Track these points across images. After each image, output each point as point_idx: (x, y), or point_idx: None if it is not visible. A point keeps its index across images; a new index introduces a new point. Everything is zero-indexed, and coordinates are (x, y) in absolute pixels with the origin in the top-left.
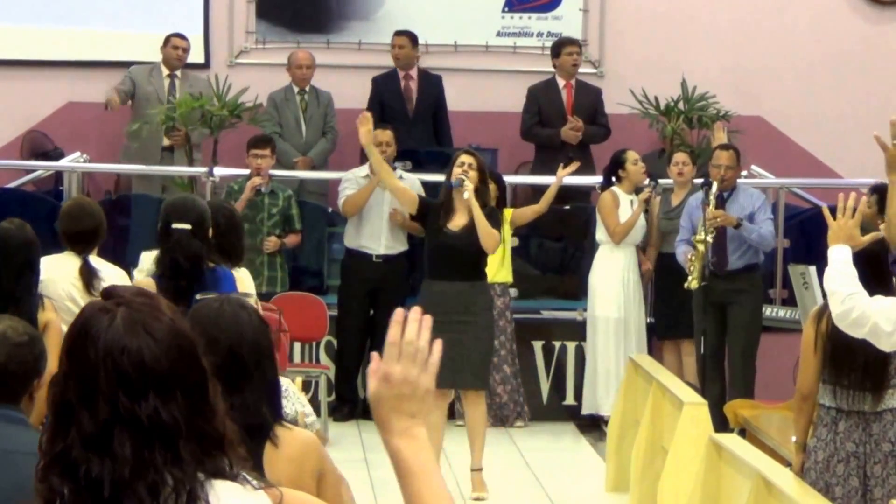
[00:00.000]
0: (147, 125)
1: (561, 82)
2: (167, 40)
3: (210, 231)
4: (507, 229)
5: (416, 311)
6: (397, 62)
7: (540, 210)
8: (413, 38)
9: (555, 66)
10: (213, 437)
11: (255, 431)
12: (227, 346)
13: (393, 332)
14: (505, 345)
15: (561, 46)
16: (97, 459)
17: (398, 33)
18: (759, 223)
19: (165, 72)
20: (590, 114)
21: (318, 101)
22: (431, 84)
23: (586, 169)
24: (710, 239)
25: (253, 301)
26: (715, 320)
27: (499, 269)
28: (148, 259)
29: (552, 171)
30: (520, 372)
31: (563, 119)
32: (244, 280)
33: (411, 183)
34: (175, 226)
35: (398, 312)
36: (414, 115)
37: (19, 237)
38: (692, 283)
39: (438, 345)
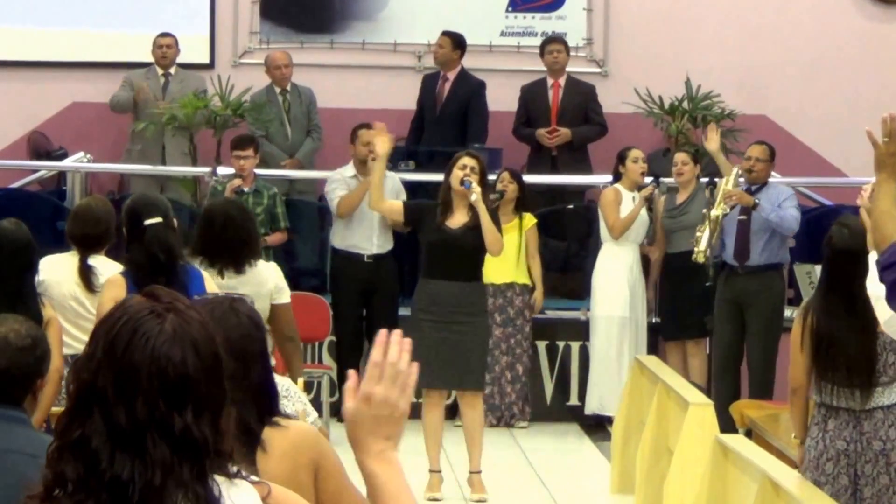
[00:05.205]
0: (153, 125)
1: (549, 81)
2: (154, 42)
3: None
4: (524, 234)
5: (397, 333)
6: (436, 61)
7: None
8: (455, 40)
9: (545, 66)
10: (224, 457)
11: (242, 439)
12: None
13: (376, 353)
14: (521, 343)
15: (544, 45)
16: (127, 459)
17: (443, 33)
18: (784, 209)
19: (160, 72)
20: (580, 112)
21: (300, 99)
22: (466, 87)
23: (582, 168)
24: (722, 212)
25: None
26: (732, 319)
27: (516, 270)
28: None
29: (540, 171)
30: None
31: (548, 117)
32: (211, 280)
33: (392, 182)
34: (147, 221)
35: (381, 333)
36: (439, 116)
37: (21, 237)
38: (699, 255)
39: (415, 367)
